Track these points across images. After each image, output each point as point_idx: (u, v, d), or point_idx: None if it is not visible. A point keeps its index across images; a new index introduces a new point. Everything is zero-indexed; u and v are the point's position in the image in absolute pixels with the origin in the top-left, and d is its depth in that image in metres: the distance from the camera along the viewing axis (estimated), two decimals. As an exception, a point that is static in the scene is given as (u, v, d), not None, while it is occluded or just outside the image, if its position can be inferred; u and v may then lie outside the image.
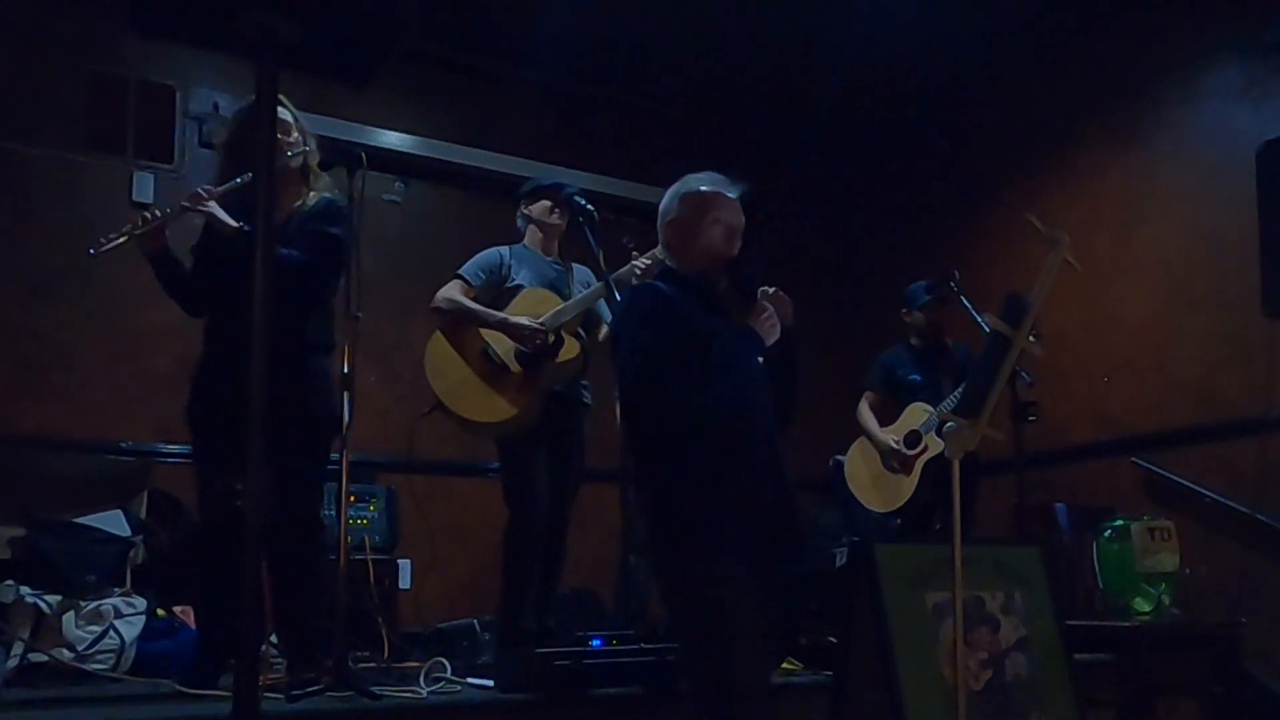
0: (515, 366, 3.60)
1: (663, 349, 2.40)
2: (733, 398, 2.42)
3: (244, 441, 2.99)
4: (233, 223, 2.98)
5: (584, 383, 3.81)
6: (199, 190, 3.05)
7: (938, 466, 4.53)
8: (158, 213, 3.05)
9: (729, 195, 2.59)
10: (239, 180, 3.02)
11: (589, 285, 3.83)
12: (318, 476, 3.17)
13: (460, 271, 3.75)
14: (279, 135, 3.05)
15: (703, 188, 2.59)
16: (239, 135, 3.15)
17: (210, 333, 3.14)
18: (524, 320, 3.58)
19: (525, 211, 3.90)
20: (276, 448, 2.71)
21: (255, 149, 1.63)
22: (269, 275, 1.47)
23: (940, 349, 4.88)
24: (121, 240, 3.01)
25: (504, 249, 3.82)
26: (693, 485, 2.42)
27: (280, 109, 3.08)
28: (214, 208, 3.00)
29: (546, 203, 3.84)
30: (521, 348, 3.60)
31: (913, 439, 4.73)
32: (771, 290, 2.55)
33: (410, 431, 3.65)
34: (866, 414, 4.90)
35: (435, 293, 3.75)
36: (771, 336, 2.50)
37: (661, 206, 2.63)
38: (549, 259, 3.87)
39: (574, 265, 3.91)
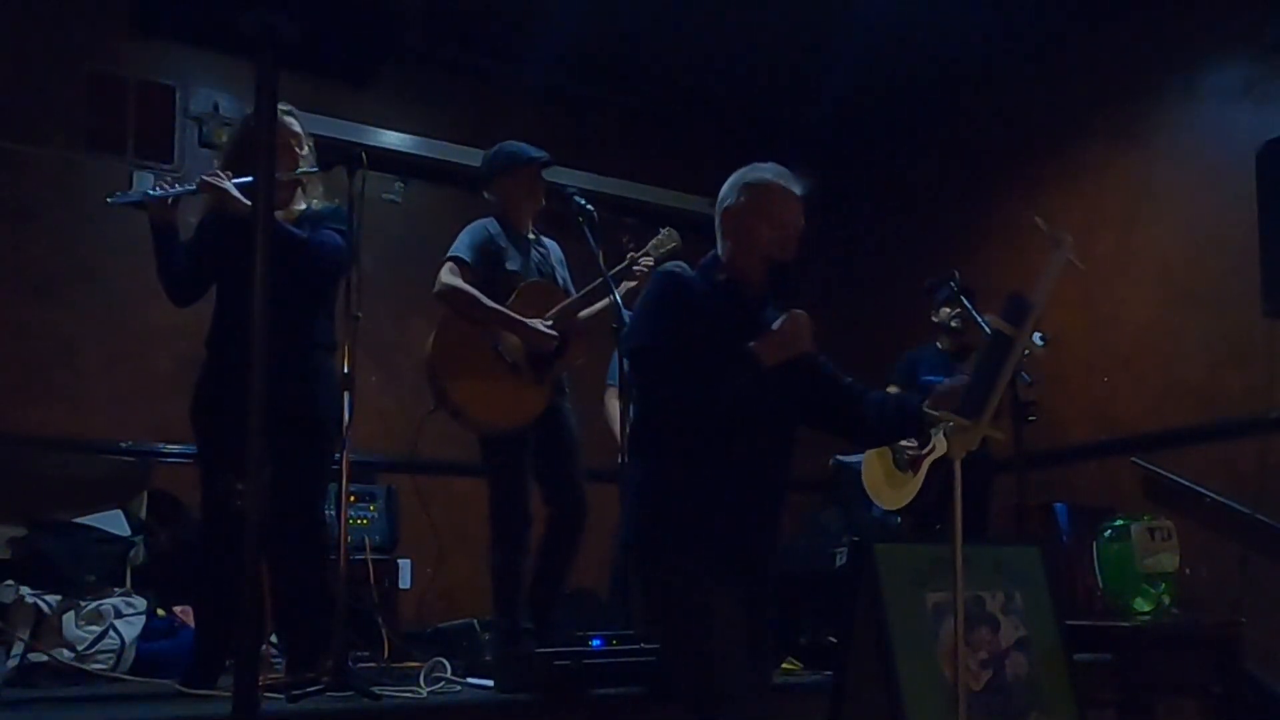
0: (526, 366, 3.53)
1: (674, 341, 2.33)
2: (737, 405, 2.35)
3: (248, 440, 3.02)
4: (247, 201, 3.00)
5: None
6: (216, 171, 3.11)
7: (947, 468, 4.52)
8: (176, 185, 3.11)
9: (790, 189, 2.47)
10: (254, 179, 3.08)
11: (564, 262, 3.78)
12: (321, 476, 3.18)
13: (454, 254, 3.56)
14: (295, 148, 3.16)
15: (765, 178, 2.47)
16: (247, 137, 3.23)
17: (217, 330, 3.16)
18: (539, 324, 3.49)
19: (499, 190, 3.71)
20: (281, 446, 2.75)
21: (258, 150, 1.63)
22: (268, 271, 1.47)
23: (968, 353, 4.84)
24: (139, 199, 3.13)
25: (488, 223, 3.66)
26: (682, 483, 2.37)
27: (291, 119, 3.18)
28: (229, 185, 3.04)
29: (523, 180, 3.66)
30: (533, 349, 3.55)
31: (923, 438, 4.71)
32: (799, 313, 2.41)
33: (416, 430, 3.61)
34: None
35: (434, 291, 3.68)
36: (788, 351, 2.35)
37: (721, 192, 2.51)
38: (530, 238, 3.73)
39: (546, 240, 3.78)
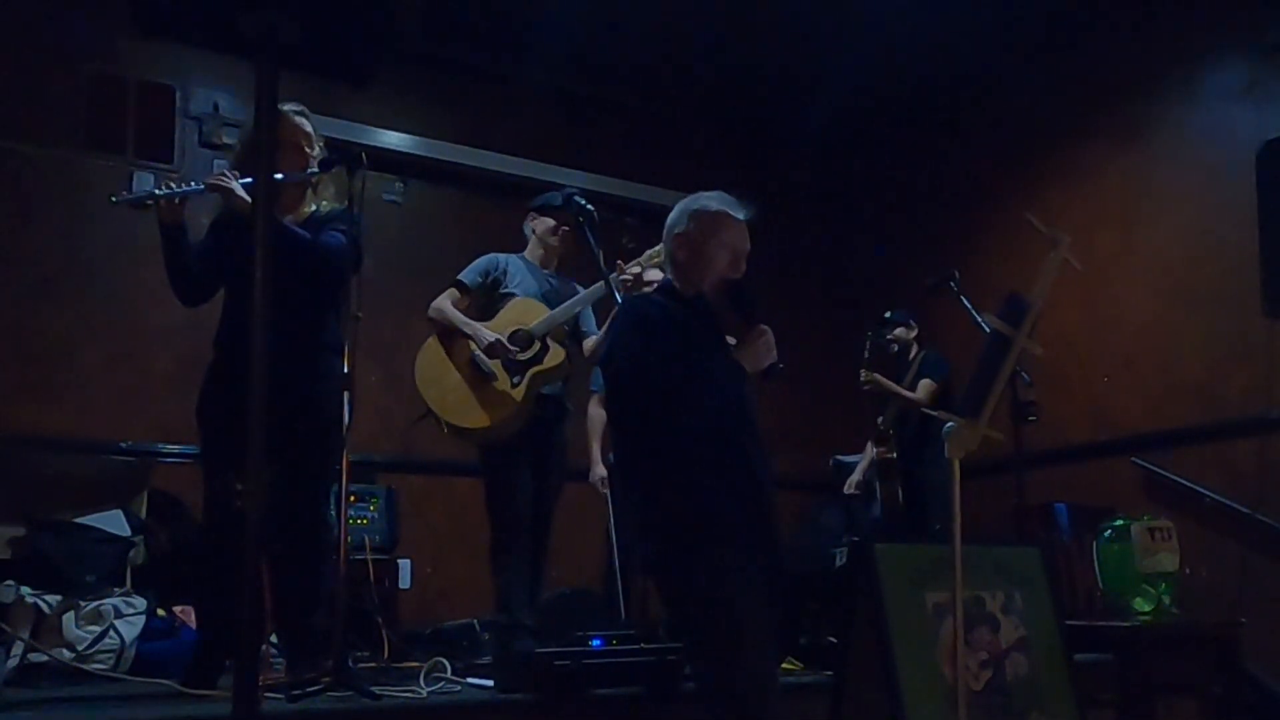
0: (501, 375, 3.59)
1: (656, 359, 2.43)
2: (723, 407, 2.46)
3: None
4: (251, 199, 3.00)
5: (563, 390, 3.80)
6: (222, 171, 3.10)
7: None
8: (182, 185, 3.10)
9: (737, 217, 2.61)
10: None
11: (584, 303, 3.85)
12: (326, 478, 3.17)
13: (459, 277, 3.75)
14: (306, 149, 3.15)
15: (712, 207, 2.61)
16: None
17: (225, 330, 3.16)
18: (488, 331, 3.60)
19: (532, 225, 3.89)
20: (288, 447, 2.74)
21: (259, 150, 1.63)
22: (274, 272, 1.47)
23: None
24: (143, 198, 3.13)
25: (502, 256, 3.81)
26: (692, 486, 2.43)
27: (303, 119, 3.18)
28: (235, 184, 3.03)
29: (551, 222, 3.83)
30: (488, 356, 3.61)
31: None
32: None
33: (402, 435, 3.67)
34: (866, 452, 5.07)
35: (434, 293, 3.75)
36: (763, 361, 2.51)
37: (670, 220, 2.66)
38: (545, 273, 3.85)
39: (573, 284, 3.89)
